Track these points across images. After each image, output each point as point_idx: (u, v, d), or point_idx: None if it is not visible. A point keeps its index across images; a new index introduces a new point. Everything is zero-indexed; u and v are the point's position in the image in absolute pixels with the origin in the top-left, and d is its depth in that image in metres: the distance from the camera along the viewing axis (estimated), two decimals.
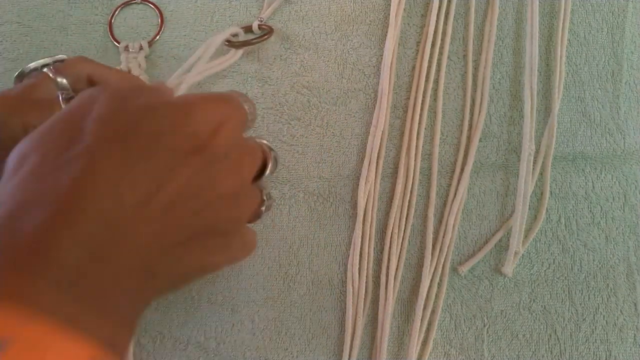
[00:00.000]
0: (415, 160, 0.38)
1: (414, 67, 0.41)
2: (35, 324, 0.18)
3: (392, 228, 0.37)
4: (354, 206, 0.38)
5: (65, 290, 0.19)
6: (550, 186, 0.38)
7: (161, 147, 0.22)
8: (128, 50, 0.42)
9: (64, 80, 0.31)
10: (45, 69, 0.32)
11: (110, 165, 0.21)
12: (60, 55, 0.34)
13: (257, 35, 0.41)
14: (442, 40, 0.41)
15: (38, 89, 0.31)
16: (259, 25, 0.41)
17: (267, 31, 0.41)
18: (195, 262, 0.25)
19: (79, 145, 0.21)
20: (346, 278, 0.36)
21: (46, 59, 0.34)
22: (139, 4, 0.44)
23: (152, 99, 0.24)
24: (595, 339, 0.35)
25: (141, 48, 0.42)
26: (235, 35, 0.40)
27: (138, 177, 0.21)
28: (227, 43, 0.40)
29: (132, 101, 0.23)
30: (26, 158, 0.22)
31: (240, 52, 0.41)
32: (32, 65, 0.33)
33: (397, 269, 0.37)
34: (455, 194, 0.38)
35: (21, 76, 0.34)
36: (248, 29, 0.42)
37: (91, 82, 0.33)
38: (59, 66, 0.33)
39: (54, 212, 0.20)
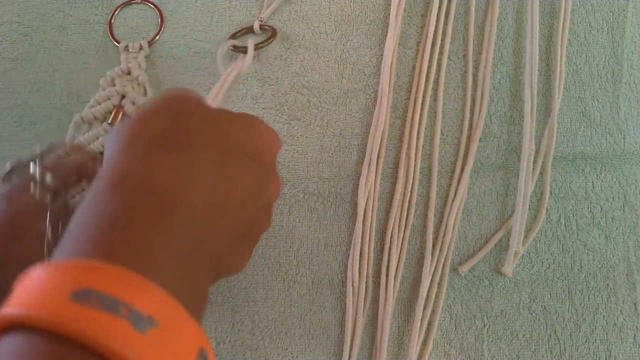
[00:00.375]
0: (415, 160, 0.38)
1: (414, 67, 0.41)
2: (170, 306, 0.19)
3: (392, 228, 0.37)
4: (354, 206, 0.38)
5: (176, 272, 0.21)
6: (550, 186, 0.38)
7: (241, 153, 0.25)
8: (128, 50, 0.42)
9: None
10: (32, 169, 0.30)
11: (209, 164, 0.23)
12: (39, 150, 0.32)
13: (264, 39, 0.41)
14: (442, 40, 0.41)
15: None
16: (260, 25, 0.41)
17: (270, 32, 0.41)
18: (239, 259, 0.28)
19: (186, 149, 0.23)
20: (346, 278, 0.36)
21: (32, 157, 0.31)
22: (139, 4, 0.44)
23: (224, 112, 0.27)
24: (595, 339, 0.35)
25: (141, 48, 0.42)
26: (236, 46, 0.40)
27: (225, 176, 0.24)
28: (232, 48, 0.40)
29: (220, 113, 0.26)
30: (138, 140, 0.23)
31: (251, 56, 0.40)
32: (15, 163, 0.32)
33: (397, 269, 0.37)
34: (455, 194, 0.38)
35: (10, 174, 0.32)
36: (249, 30, 0.42)
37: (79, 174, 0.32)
38: (48, 162, 0.31)
39: (171, 193, 0.22)
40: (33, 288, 0.18)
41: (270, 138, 0.28)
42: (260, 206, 0.27)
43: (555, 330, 0.36)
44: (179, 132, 0.24)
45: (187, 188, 0.22)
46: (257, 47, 0.40)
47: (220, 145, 0.24)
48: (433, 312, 0.36)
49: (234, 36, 0.42)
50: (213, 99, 0.39)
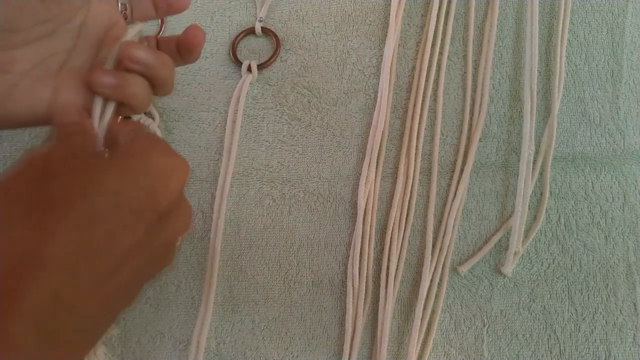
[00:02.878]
0: (415, 160, 0.38)
1: (414, 68, 0.41)
2: None
3: (392, 228, 0.37)
4: (354, 206, 0.38)
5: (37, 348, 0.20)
6: (550, 186, 0.38)
7: (119, 209, 0.23)
8: None
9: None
10: None
11: (67, 235, 0.21)
12: None
13: (271, 54, 0.41)
14: (442, 40, 0.41)
15: None
16: (262, 27, 0.42)
17: (273, 39, 0.41)
18: (126, 305, 0.26)
19: (42, 207, 0.21)
20: (346, 278, 0.36)
21: None
22: None
23: (103, 162, 0.24)
24: (595, 339, 0.36)
25: None
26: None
27: (91, 245, 0.22)
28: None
29: (96, 166, 0.24)
30: None
31: (256, 73, 0.41)
32: None
33: (397, 269, 0.37)
34: (455, 194, 0.38)
35: None
36: (250, 32, 0.42)
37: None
38: None
39: (18, 274, 0.20)
40: None
41: (169, 172, 0.25)
42: (153, 253, 0.25)
43: (555, 330, 0.36)
44: (34, 200, 0.21)
45: (36, 268, 0.20)
46: (266, 65, 0.41)
47: (85, 210, 0.22)
48: (433, 312, 0.36)
49: (235, 39, 0.42)
50: (232, 118, 0.39)
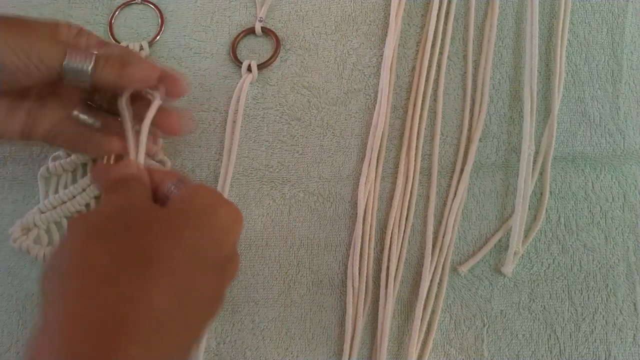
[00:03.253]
0: (415, 160, 0.38)
1: (414, 68, 0.41)
2: None
3: (392, 228, 0.37)
4: (354, 206, 0.38)
5: None
6: (550, 186, 0.38)
7: (198, 262, 0.24)
8: None
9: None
10: None
11: (163, 293, 0.22)
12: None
13: (271, 54, 0.41)
14: (442, 40, 0.41)
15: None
16: (262, 27, 0.42)
17: (273, 39, 0.41)
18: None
19: (137, 281, 0.21)
20: (346, 278, 0.36)
21: None
22: (139, 4, 0.44)
23: (173, 212, 0.25)
24: (595, 339, 0.36)
25: (141, 48, 0.42)
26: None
27: (181, 299, 0.23)
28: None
29: (171, 217, 0.25)
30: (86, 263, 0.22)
31: (256, 73, 0.41)
32: None
33: (397, 269, 0.37)
34: (455, 194, 0.38)
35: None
36: (250, 31, 0.42)
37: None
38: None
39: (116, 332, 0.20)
40: None
41: (231, 224, 0.26)
42: (216, 296, 0.26)
43: (555, 330, 0.36)
44: (127, 262, 0.22)
45: (135, 324, 0.21)
46: (266, 65, 0.41)
47: (173, 266, 0.22)
48: (433, 312, 0.36)
49: (235, 39, 0.42)
50: (232, 118, 0.39)
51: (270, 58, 0.41)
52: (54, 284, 0.22)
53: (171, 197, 0.27)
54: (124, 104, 0.30)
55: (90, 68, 0.27)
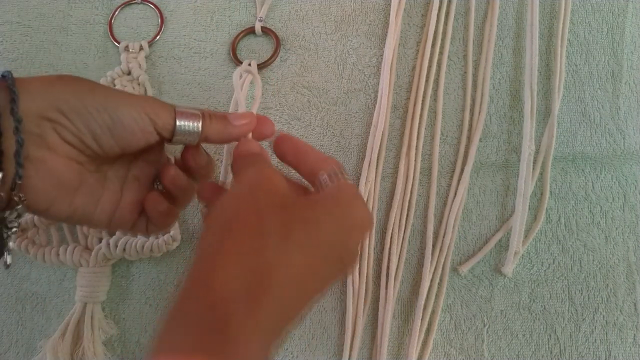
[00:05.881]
0: (415, 160, 0.38)
1: (414, 67, 0.41)
2: None
3: (392, 228, 0.37)
4: None
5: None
6: (550, 186, 0.38)
7: (329, 255, 0.26)
8: (128, 50, 0.42)
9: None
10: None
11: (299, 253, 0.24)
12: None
13: (271, 54, 0.41)
14: (442, 40, 0.41)
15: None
16: (262, 27, 0.42)
17: (273, 39, 0.41)
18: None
19: (270, 240, 0.24)
20: (346, 278, 0.36)
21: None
22: (139, 4, 0.44)
23: (318, 204, 0.27)
24: (595, 339, 0.36)
25: (141, 48, 0.42)
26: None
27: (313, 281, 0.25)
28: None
29: (313, 207, 0.27)
30: (227, 233, 0.24)
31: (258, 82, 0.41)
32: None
33: (397, 269, 0.37)
34: (455, 194, 0.38)
35: None
36: (250, 31, 0.42)
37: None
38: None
39: (255, 289, 0.23)
40: None
41: (363, 222, 0.27)
42: (325, 286, 0.27)
43: (555, 330, 0.36)
44: (277, 226, 0.24)
45: (272, 284, 0.23)
46: (266, 65, 0.41)
47: (309, 238, 0.25)
48: (433, 312, 0.36)
49: (235, 39, 0.42)
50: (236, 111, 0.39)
51: (270, 58, 0.41)
52: (216, 237, 0.24)
53: (323, 186, 0.28)
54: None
55: (200, 126, 0.29)
